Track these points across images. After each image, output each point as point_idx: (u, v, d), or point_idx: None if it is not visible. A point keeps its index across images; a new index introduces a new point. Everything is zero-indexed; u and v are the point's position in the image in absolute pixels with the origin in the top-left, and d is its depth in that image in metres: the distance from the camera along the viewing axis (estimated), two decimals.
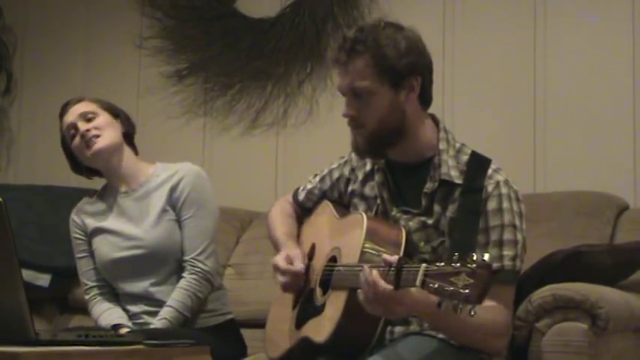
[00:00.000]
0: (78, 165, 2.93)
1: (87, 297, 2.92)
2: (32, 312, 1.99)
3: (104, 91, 2.88)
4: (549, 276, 2.38)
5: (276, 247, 2.51)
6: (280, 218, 2.58)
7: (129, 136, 2.92)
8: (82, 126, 2.82)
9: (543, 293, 2.29)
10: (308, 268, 2.41)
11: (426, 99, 2.29)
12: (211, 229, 2.84)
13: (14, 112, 4.51)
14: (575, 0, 3.49)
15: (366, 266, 2.00)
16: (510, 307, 2.18)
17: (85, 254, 2.93)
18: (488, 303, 1.98)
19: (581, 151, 3.40)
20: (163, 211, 2.81)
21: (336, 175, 2.49)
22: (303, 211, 2.59)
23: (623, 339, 2.44)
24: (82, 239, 2.93)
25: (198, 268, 2.77)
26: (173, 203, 2.82)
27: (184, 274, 2.77)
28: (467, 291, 1.79)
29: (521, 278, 2.28)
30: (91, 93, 4.24)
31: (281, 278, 2.35)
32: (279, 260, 2.37)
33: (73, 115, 2.86)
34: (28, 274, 3.62)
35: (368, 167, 2.39)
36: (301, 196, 2.58)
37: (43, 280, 3.72)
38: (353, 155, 2.43)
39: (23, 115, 4.50)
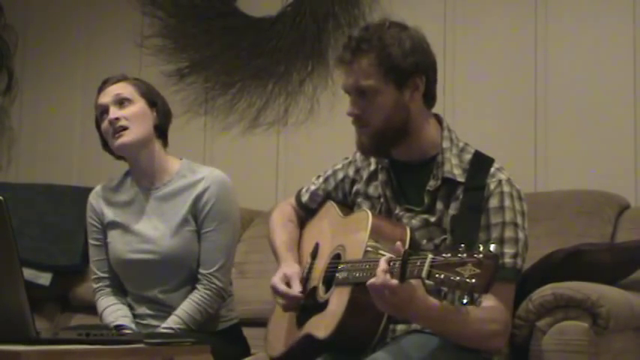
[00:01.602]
0: (108, 144, 2.80)
1: (94, 286, 2.85)
2: (33, 311, 1.99)
3: None
4: (550, 275, 2.38)
5: (275, 259, 2.51)
6: (280, 223, 2.57)
7: (161, 129, 2.80)
8: (113, 113, 2.70)
9: (544, 292, 2.29)
10: (311, 267, 2.41)
11: (430, 98, 2.30)
12: (231, 244, 2.77)
13: (15, 111, 4.51)
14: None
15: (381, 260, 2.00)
16: (510, 305, 2.18)
17: (98, 243, 2.84)
18: (487, 303, 1.98)
19: (582, 150, 3.40)
20: (184, 220, 2.72)
21: (340, 175, 2.49)
22: (306, 212, 2.58)
23: (624, 338, 2.44)
24: (96, 227, 2.84)
25: (214, 284, 2.70)
26: (195, 213, 2.73)
27: (198, 287, 2.71)
28: (473, 280, 1.79)
29: (522, 277, 2.28)
30: (92, 91, 4.26)
31: (280, 300, 2.36)
32: (277, 282, 2.35)
33: (108, 95, 2.73)
34: (28, 273, 3.62)
35: (372, 167, 2.40)
36: (305, 197, 2.58)
37: (44, 278, 3.72)
38: (357, 155, 2.44)
39: (24, 114, 4.50)
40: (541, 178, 3.44)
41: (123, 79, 2.79)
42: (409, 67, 2.22)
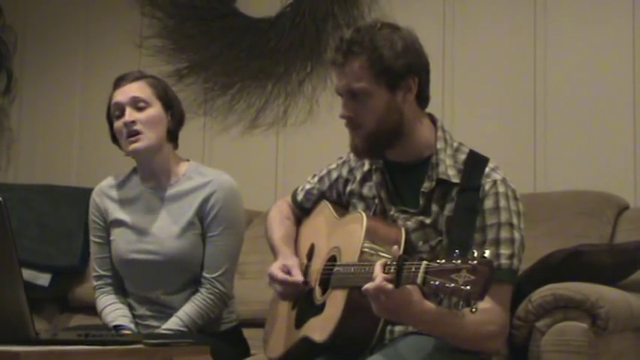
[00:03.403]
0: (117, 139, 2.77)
1: (95, 283, 2.83)
2: (32, 311, 1.99)
3: (104, 90, 2.86)
4: (549, 275, 2.38)
5: (273, 253, 2.51)
6: (278, 220, 2.57)
7: (173, 132, 2.77)
8: (129, 115, 2.67)
9: (543, 293, 2.28)
10: (307, 268, 2.41)
11: (423, 99, 2.29)
12: (236, 248, 2.76)
13: (14, 112, 4.51)
14: (576, 0, 3.50)
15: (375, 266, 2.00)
16: (507, 306, 2.17)
17: (100, 240, 2.82)
18: (484, 304, 1.98)
19: (581, 151, 3.40)
20: (190, 224, 2.71)
21: (334, 175, 2.49)
22: (301, 211, 2.58)
23: (623, 338, 2.44)
24: (99, 224, 2.82)
25: (218, 289, 2.70)
26: (202, 216, 2.71)
27: (202, 290, 2.70)
28: (468, 287, 1.79)
29: (521, 278, 2.28)
30: (91, 92, 4.28)
31: (278, 288, 2.35)
32: (276, 270, 2.35)
33: (125, 95, 2.70)
34: (28, 274, 3.62)
35: (366, 167, 2.39)
36: (300, 196, 2.58)
37: (43, 279, 3.72)
38: (351, 155, 2.43)
39: (23, 115, 4.50)
40: (540, 179, 3.44)
41: (141, 77, 2.75)
42: (401, 68, 2.21)
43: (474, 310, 1.82)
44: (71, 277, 3.74)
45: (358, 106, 2.24)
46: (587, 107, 3.42)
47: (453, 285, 1.80)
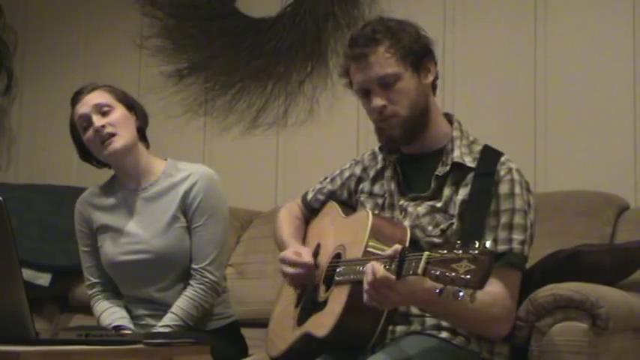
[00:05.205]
0: (87, 154, 2.83)
1: (89, 291, 2.86)
2: (32, 311, 2.00)
3: None
4: (550, 275, 2.38)
5: (281, 248, 2.51)
6: (287, 220, 2.59)
7: (141, 130, 2.82)
8: (97, 121, 2.71)
9: (544, 293, 2.29)
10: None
11: (435, 86, 2.35)
12: (222, 237, 2.78)
13: (15, 111, 4.51)
14: None
15: (373, 262, 2.01)
16: (514, 292, 2.19)
17: (87, 248, 2.85)
18: (491, 288, 1.99)
19: (581, 151, 3.40)
20: (174, 217, 2.74)
21: (346, 174, 2.51)
22: (309, 212, 2.60)
23: (623, 339, 2.44)
24: (85, 232, 2.85)
25: (207, 278, 2.71)
26: (185, 209, 2.75)
27: (192, 282, 2.72)
28: (468, 276, 1.80)
29: (522, 278, 2.28)
30: None
31: (290, 270, 2.35)
32: (288, 253, 2.37)
33: (86, 105, 2.74)
34: (28, 274, 3.62)
35: (379, 165, 2.42)
36: (309, 196, 2.60)
37: (44, 279, 3.72)
38: (365, 155, 2.47)
39: (24, 114, 4.50)
40: (541, 179, 3.44)
41: (96, 87, 2.80)
42: (421, 49, 2.29)
43: (472, 299, 1.82)
44: (71, 277, 3.73)
45: (390, 94, 2.26)
46: (588, 107, 3.42)
47: (453, 274, 1.82)
